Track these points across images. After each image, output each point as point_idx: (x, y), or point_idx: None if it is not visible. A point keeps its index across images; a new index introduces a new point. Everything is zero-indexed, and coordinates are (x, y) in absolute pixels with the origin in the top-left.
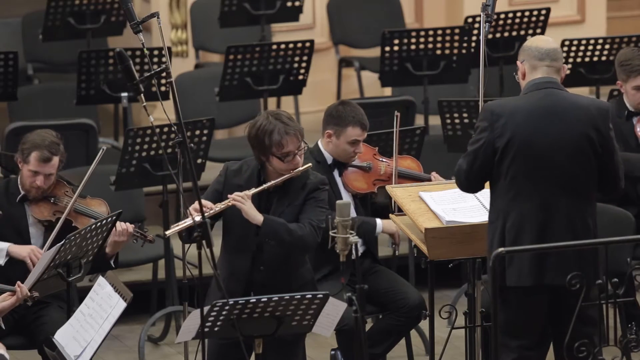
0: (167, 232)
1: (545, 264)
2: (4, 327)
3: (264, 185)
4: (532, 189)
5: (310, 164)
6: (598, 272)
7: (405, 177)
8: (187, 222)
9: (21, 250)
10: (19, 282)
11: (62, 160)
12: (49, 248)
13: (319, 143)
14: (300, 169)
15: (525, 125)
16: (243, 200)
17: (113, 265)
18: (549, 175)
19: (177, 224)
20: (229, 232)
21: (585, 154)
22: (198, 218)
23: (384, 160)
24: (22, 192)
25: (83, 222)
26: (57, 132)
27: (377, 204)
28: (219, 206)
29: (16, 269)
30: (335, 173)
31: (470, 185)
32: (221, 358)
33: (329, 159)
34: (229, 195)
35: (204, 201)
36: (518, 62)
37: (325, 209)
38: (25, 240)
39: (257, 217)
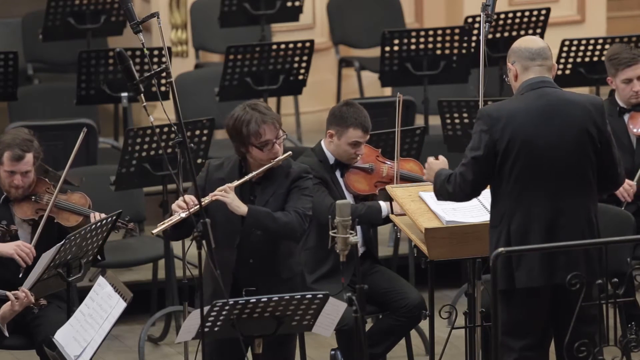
0: (154, 231)
1: (556, 263)
2: (7, 334)
3: (246, 177)
4: (536, 190)
5: (290, 153)
6: (604, 270)
7: (407, 180)
8: (174, 218)
9: (7, 248)
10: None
11: (37, 157)
12: (36, 246)
13: (322, 143)
14: (280, 158)
15: (525, 126)
16: (226, 193)
17: (99, 258)
18: (553, 175)
19: (163, 222)
20: (213, 227)
21: (585, 150)
22: (184, 214)
23: (386, 162)
24: (4, 194)
25: (65, 217)
26: (29, 129)
27: None
28: (203, 201)
29: (8, 269)
30: (337, 173)
31: (474, 194)
32: (219, 355)
33: (331, 158)
34: (211, 194)
35: (188, 196)
36: (509, 64)
37: (311, 197)
38: (14, 240)
39: (241, 208)
